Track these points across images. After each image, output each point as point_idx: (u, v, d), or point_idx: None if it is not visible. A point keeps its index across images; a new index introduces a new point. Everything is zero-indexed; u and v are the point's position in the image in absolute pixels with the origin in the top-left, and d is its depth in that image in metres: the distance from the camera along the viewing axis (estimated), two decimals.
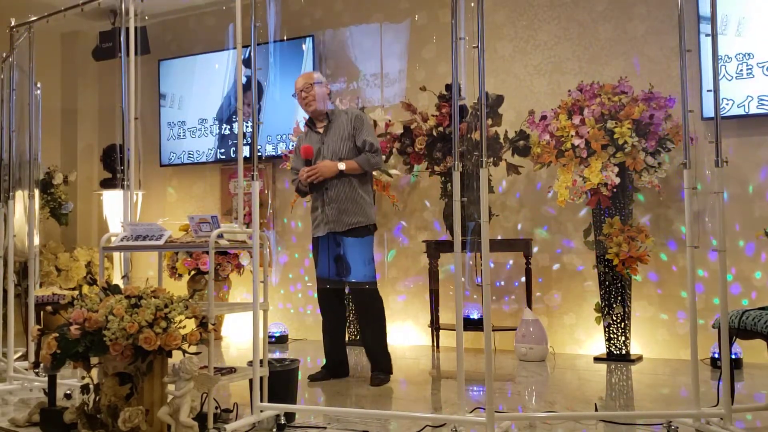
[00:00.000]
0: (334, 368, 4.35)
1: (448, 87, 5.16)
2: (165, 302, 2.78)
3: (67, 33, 7.38)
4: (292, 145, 5.77)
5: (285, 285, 6.46)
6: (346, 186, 4.17)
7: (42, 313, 5.23)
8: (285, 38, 6.27)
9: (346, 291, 4.52)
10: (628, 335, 4.83)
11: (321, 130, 4.30)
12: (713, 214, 4.22)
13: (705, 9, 4.78)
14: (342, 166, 4.14)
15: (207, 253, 3.04)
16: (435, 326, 5.42)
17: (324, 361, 4.40)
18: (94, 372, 2.88)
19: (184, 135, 6.91)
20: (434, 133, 5.21)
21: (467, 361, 4.57)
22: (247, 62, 4.55)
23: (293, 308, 6.40)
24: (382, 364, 4.23)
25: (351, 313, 5.62)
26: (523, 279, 5.23)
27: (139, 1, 3.98)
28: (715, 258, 3.91)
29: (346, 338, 4.74)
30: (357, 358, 4.95)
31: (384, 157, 5.25)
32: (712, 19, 3.03)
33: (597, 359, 4.87)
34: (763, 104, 4.71)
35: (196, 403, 2.97)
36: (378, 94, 6.03)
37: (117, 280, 4.29)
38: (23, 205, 4.50)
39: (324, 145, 4.25)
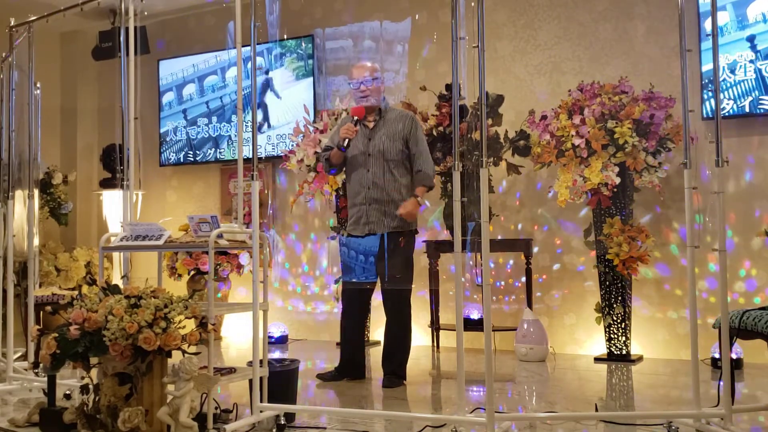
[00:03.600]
0: (350, 369, 4.25)
1: (448, 87, 5.16)
2: (165, 302, 2.78)
3: (67, 33, 7.37)
4: (292, 145, 5.76)
5: (285, 284, 6.45)
6: (391, 187, 4.08)
7: (41, 313, 5.23)
8: (285, 37, 6.26)
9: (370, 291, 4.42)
10: (628, 335, 4.83)
11: (370, 126, 4.16)
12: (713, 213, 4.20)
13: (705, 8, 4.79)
14: (424, 202, 4.11)
15: (207, 253, 3.03)
16: (435, 326, 5.41)
17: (328, 362, 4.36)
18: (94, 372, 2.88)
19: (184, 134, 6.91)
20: (434, 133, 5.20)
21: (467, 361, 4.56)
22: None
23: (291, 306, 6.39)
24: (398, 369, 4.15)
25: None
26: (523, 279, 5.23)
27: (138, 1, 3.98)
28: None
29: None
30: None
31: None
32: (713, 19, 3.03)
33: (597, 359, 4.86)
34: (763, 104, 4.71)
35: (196, 403, 2.96)
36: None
37: (117, 280, 4.28)
38: (23, 205, 4.50)
39: (371, 142, 4.12)
